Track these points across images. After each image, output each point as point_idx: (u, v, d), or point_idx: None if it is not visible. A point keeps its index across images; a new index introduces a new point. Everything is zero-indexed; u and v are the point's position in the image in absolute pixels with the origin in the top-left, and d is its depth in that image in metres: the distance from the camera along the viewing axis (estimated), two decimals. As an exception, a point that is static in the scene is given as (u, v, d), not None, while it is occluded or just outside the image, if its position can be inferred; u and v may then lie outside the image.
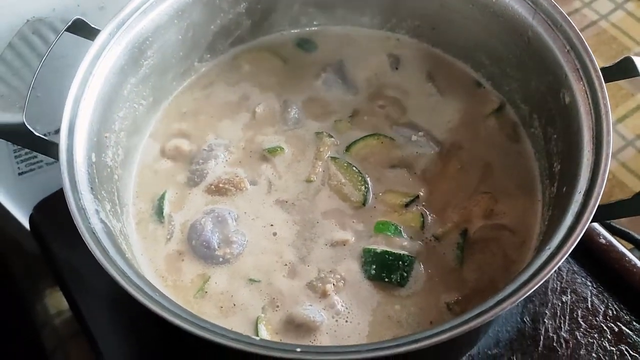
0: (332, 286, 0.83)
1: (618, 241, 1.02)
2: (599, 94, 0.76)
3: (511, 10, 0.89)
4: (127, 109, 0.91)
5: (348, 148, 0.95)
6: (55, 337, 1.26)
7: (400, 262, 0.84)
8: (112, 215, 0.80)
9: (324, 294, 0.82)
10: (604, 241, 1.01)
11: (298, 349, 0.62)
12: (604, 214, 0.71)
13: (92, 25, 0.87)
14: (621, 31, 1.79)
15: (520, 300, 0.63)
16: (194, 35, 0.98)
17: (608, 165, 0.70)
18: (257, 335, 0.79)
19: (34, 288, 1.30)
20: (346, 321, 0.81)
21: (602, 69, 0.79)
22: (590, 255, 0.99)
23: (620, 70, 0.79)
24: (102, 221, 0.74)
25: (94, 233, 0.71)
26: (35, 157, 1.12)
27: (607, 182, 1.56)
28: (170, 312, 0.65)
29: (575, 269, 1.00)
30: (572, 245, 0.66)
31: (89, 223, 0.72)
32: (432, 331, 0.62)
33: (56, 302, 1.26)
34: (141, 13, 0.88)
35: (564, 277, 0.99)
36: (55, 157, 0.76)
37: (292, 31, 1.07)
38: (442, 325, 0.63)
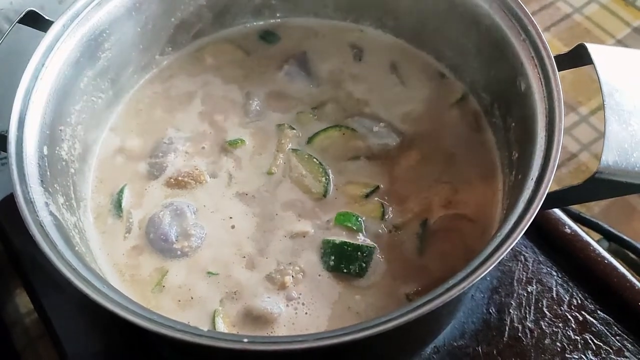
0: (291, 278, 0.82)
1: (583, 231, 1.02)
2: (552, 81, 0.76)
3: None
4: (85, 102, 0.90)
5: (310, 140, 0.95)
6: (25, 337, 1.25)
7: (359, 253, 0.83)
8: (65, 209, 0.79)
9: (283, 286, 0.82)
10: (569, 231, 1.01)
11: (245, 340, 0.61)
12: (556, 201, 0.71)
13: (46, 17, 0.86)
14: (595, 24, 1.79)
15: (466, 288, 0.63)
16: (153, 28, 0.98)
17: (559, 151, 0.70)
18: (214, 328, 0.79)
19: (4, 287, 1.29)
20: (305, 313, 0.81)
21: (557, 57, 0.79)
22: (555, 245, 1.00)
23: (574, 58, 0.79)
24: (52, 214, 0.73)
25: (41, 226, 0.70)
26: (-1, 154, 1.11)
27: (581, 174, 1.56)
28: (117, 304, 0.64)
29: (540, 259, 1.00)
30: (521, 231, 0.66)
31: (37, 216, 0.71)
32: (380, 319, 0.62)
33: (26, 301, 1.25)
34: (96, 5, 0.87)
35: (530, 267, 0.99)
36: (5, 149, 0.75)
37: (255, 23, 1.07)
38: (391, 313, 0.62)
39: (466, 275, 0.64)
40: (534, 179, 0.70)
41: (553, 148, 0.71)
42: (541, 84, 0.77)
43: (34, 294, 1.04)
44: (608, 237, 1.21)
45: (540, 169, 0.70)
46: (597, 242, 1.02)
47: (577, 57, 0.79)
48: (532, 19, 0.81)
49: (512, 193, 0.79)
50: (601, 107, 1.67)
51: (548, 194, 0.69)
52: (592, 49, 0.76)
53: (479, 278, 0.63)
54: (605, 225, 1.21)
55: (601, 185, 0.70)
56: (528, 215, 0.66)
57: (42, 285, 1.02)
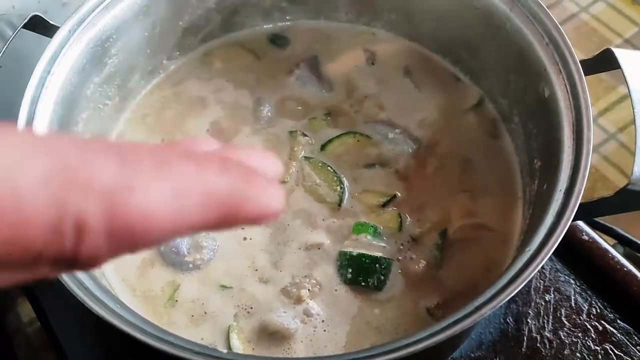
0: (307, 292, 0.80)
1: (601, 237, 1.00)
2: (579, 88, 0.74)
3: (488, 1, 0.86)
4: (92, 110, 0.88)
5: (323, 147, 0.92)
6: (26, 346, 1.23)
7: (377, 265, 0.81)
8: (74, 222, 0.76)
9: (299, 300, 0.79)
10: (587, 238, 0.98)
11: (267, 362, 0.59)
12: (585, 213, 0.69)
13: (51, 22, 0.83)
14: (602, 23, 1.77)
15: (499, 305, 0.60)
16: (161, 32, 0.94)
17: (589, 162, 0.68)
18: (229, 344, 0.76)
19: (6, 295, 1.26)
20: (322, 328, 0.78)
21: (582, 62, 0.76)
22: (573, 253, 0.97)
23: (600, 63, 0.77)
24: (61, 229, 0.70)
25: (51, 242, 0.67)
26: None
27: (590, 176, 1.54)
28: (130, 324, 0.61)
29: (558, 267, 0.97)
30: (552, 246, 0.63)
31: (46, 232, 0.68)
32: (408, 340, 0.60)
33: (28, 310, 1.23)
34: (103, 9, 0.84)
35: (547, 275, 0.97)
36: (11, 161, 0.72)
37: (265, 26, 1.04)
38: (419, 333, 0.60)
39: (496, 292, 0.62)
40: (563, 191, 0.68)
41: (582, 159, 0.68)
42: (567, 90, 0.75)
43: (36, 303, 1.01)
44: (623, 241, 1.19)
45: (569, 180, 0.68)
46: (613, 247, 1.00)
47: (603, 62, 0.76)
48: (556, 22, 0.79)
49: (536, 203, 0.77)
50: (610, 108, 1.66)
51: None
52: (619, 54, 0.74)
53: (510, 296, 0.61)
54: (620, 230, 1.19)
55: (633, 197, 0.67)
56: (559, 230, 0.64)
57: (45, 294, 0.99)
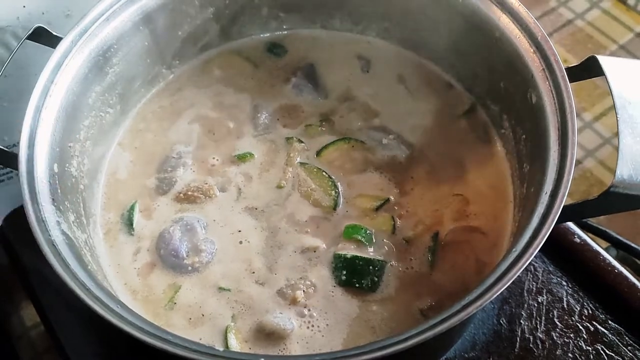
0: (302, 293, 0.82)
1: (592, 240, 1.02)
2: (564, 94, 0.76)
3: (478, 11, 0.89)
4: (93, 118, 0.90)
5: (319, 153, 0.95)
6: (30, 350, 1.25)
7: (371, 267, 0.83)
8: (76, 227, 0.79)
9: (294, 302, 0.82)
10: (578, 240, 1.00)
11: (262, 359, 0.61)
12: (570, 215, 0.71)
13: (54, 33, 0.86)
14: (597, 30, 1.79)
15: (485, 304, 0.62)
16: (160, 41, 0.97)
17: (573, 165, 0.70)
18: (227, 344, 0.78)
19: (10, 300, 1.28)
20: (317, 329, 0.80)
21: (568, 69, 0.79)
22: (565, 255, 0.99)
23: (585, 70, 0.79)
24: (63, 233, 0.73)
25: (53, 245, 0.69)
26: (4, 167, 1.10)
27: (585, 180, 1.56)
28: (130, 324, 0.64)
29: (550, 269, 0.99)
30: (537, 246, 0.65)
31: (49, 235, 0.70)
32: (398, 337, 0.62)
33: (32, 314, 1.25)
34: (104, 20, 0.87)
35: (540, 277, 0.98)
36: (16, 168, 0.75)
37: (262, 35, 1.06)
38: (409, 331, 0.62)
39: (482, 292, 0.64)
40: (548, 193, 0.70)
41: (567, 162, 0.70)
42: (552, 96, 0.77)
43: (41, 308, 1.03)
44: (616, 244, 1.21)
45: (554, 183, 0.70)
46: (605, 249, 1.02)
47: (588, 69, 0.79)
48: (543, 30, 0.81)
49: (524, 206, 0.79)
50: (605, 113, 1.68)
51: (562, 208, 0.69)
52: (603, 61, 0.76)
53: (495, 295, 0.63)
54: (613, 233, 1.21)
55: (616, 199, 0.69)
56: (543, 231, 0.66)
57: (49, 299, 1.01)
